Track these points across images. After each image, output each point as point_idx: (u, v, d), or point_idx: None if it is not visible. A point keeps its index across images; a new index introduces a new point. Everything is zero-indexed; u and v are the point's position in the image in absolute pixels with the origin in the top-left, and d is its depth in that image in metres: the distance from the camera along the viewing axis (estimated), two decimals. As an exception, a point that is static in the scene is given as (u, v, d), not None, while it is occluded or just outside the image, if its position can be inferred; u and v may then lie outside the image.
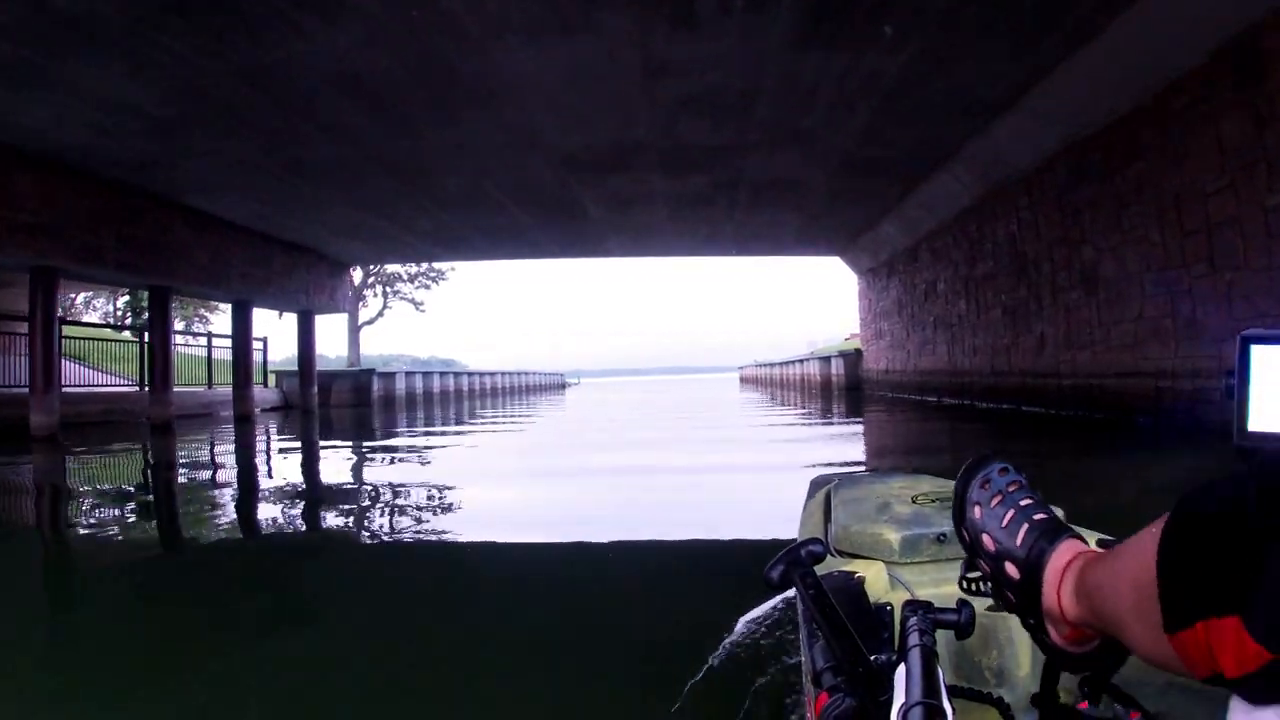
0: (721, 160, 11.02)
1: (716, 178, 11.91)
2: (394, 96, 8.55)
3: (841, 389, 19.77)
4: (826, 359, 21.57)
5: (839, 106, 9.12)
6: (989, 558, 0.74)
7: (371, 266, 46.78)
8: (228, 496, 5.71)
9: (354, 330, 46.76)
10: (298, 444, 10.39)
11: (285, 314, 20.19)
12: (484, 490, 5.71)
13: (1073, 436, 8.21)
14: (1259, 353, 0.56)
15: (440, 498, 5.20)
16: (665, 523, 4.24)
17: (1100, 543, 0.72)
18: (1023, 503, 0.75)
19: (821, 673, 0.73)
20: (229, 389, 18.96)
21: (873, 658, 0.69)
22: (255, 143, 10.14)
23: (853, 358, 19.87)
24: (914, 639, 0.67)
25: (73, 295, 39.66)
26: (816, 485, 1.61)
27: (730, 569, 2.86)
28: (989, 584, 0.75)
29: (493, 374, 33.46)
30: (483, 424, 13.56)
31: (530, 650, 2.24)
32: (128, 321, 37.34)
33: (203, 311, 50.23)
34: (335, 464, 7.93)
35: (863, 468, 5.74)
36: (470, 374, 30.30)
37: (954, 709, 0.57)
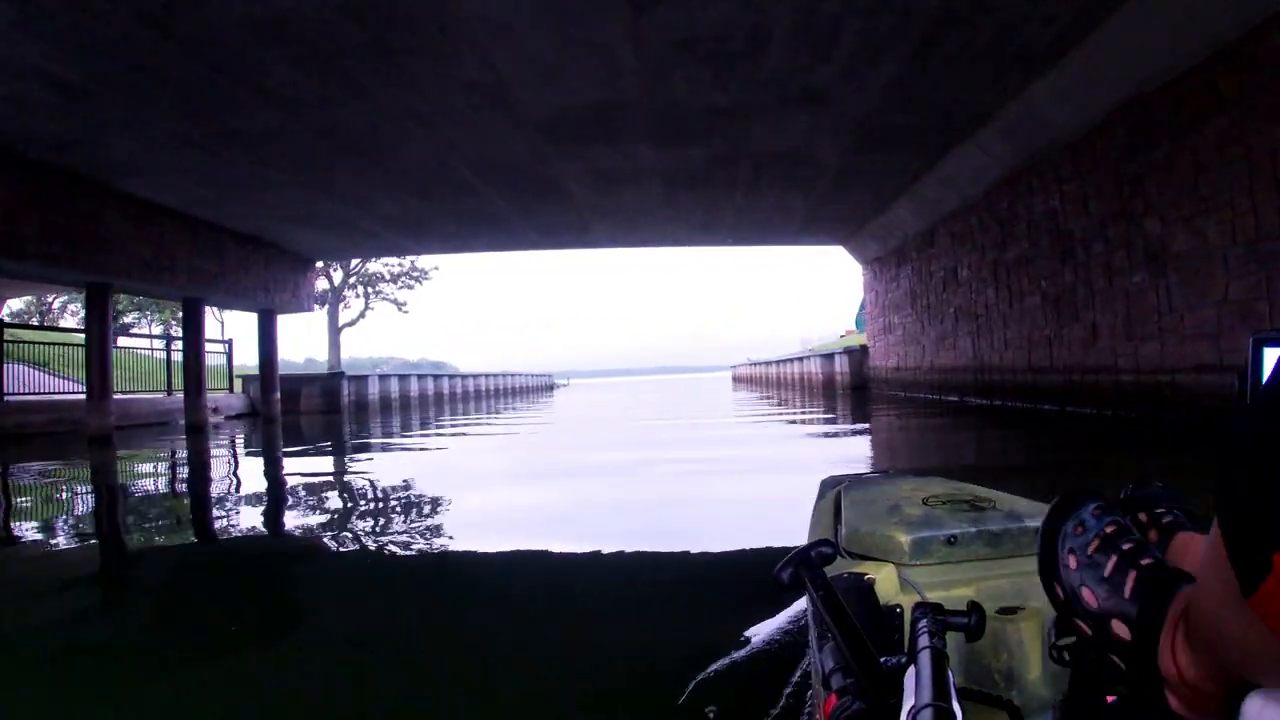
0: (721, 127, 9.57)
1: (715, 150, 10.46)
2: (328, 43, 7.07)
3: (846, 388, 18.38)
4: (829, 356, 20.14)
5: (861, 56, 7.72)
6: (1090, 617, 0.62)
7: (352, 265, 45.57)
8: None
9: (334, 332, 45.24)
10: (229, 463, 8.88)
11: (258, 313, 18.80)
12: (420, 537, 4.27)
13: (1153, 445, 6.82)
14: (1272, 354, 0.54)
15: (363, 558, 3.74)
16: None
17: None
18: (1125, 547, 0.63)
19: (831, 674, 0.71)
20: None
21: (882, 660, 0.68)
22: (179, 110, 8.72)
23: (858, 354, 18.47)
24: (924, 641, 0.64)
25: (50, 299, 37.97)
26: (826, 486, 1.53)
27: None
28: (1090, 650, 0.64)
29: (475, 376, 31.89)
30: (455, 432, 12.10)
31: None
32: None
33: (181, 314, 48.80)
34: (254, 483, 6.45)
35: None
36: (451, 376, 28.72)
37: (963, 712, 0.54)
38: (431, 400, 24.79)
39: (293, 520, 4.66)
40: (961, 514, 1.10)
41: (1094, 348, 8.94)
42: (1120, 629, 0.59)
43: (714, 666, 1.72)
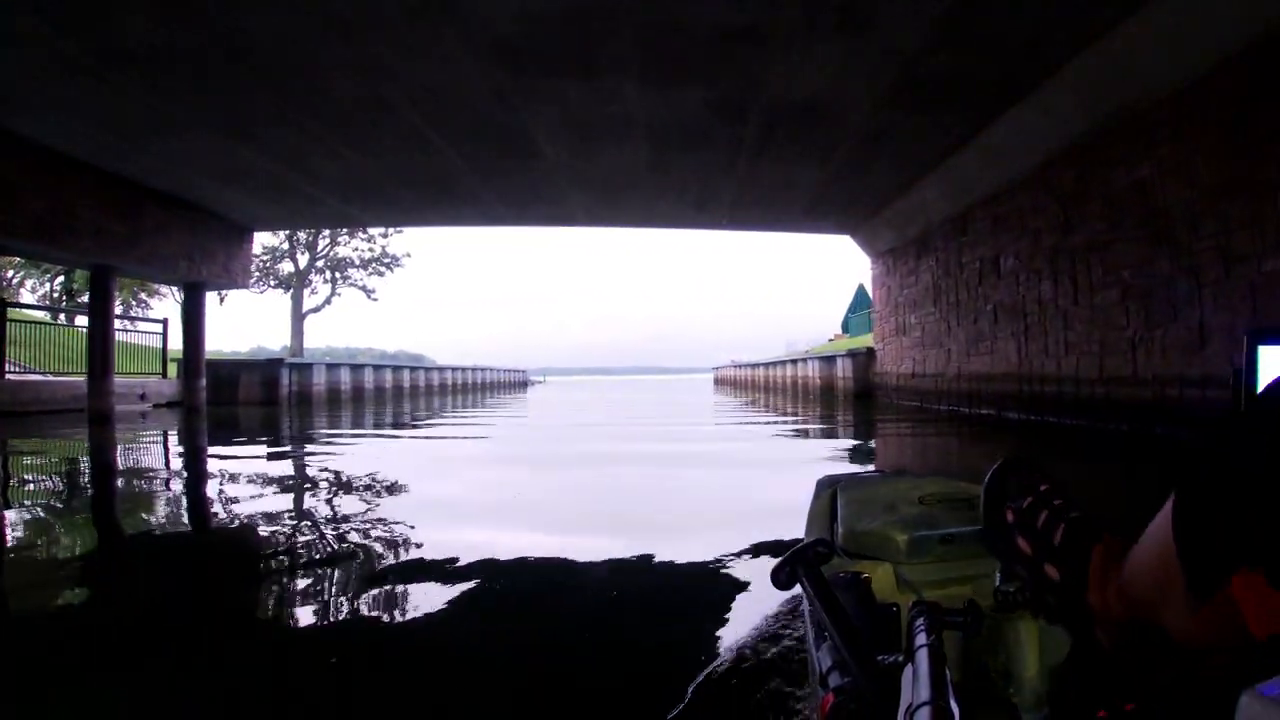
0: (729, 58, 7.51)
1: (720, 92, 8.39)
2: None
3: (849, 395, 16.37)
4: (829, 359, 18.10)
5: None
6: (1026, 562, 0.74)
7: (320, 249, 43.14)
8: None
9: (298, 318, 42.77)
10: (88, 470, 6.69)
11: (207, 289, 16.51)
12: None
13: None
14: (1267, 353, 0.60)
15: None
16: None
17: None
18: (1056, 502, 0.74)
19: (828, 673, 0.71)
20: (125, 378, 15.82)
21: (879, 658, 0.69)
22: (48, 15, 6.72)
23: (863, 358, 16.45)
24: (921, 639, 0.65)
25: (9, 274, 35.18)
26: (823, 485, 1.45)
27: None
28: (1027, 593, 0.74)
29: (442, 370, 29.58)
30: (401, 433, 9.96)
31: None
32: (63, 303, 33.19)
33: (142, 295, 46.02)
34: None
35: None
36: (414, 369, 26.39)
37: (961, 710, 0.54)
38: (390, 394, 22.53)
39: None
40: (958, 513, 1.08)
41: (1200, 354, 6.98)
42: (1051, 571, 0.69)
43: (711, 666, 1.67)
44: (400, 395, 23.01)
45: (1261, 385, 0.55)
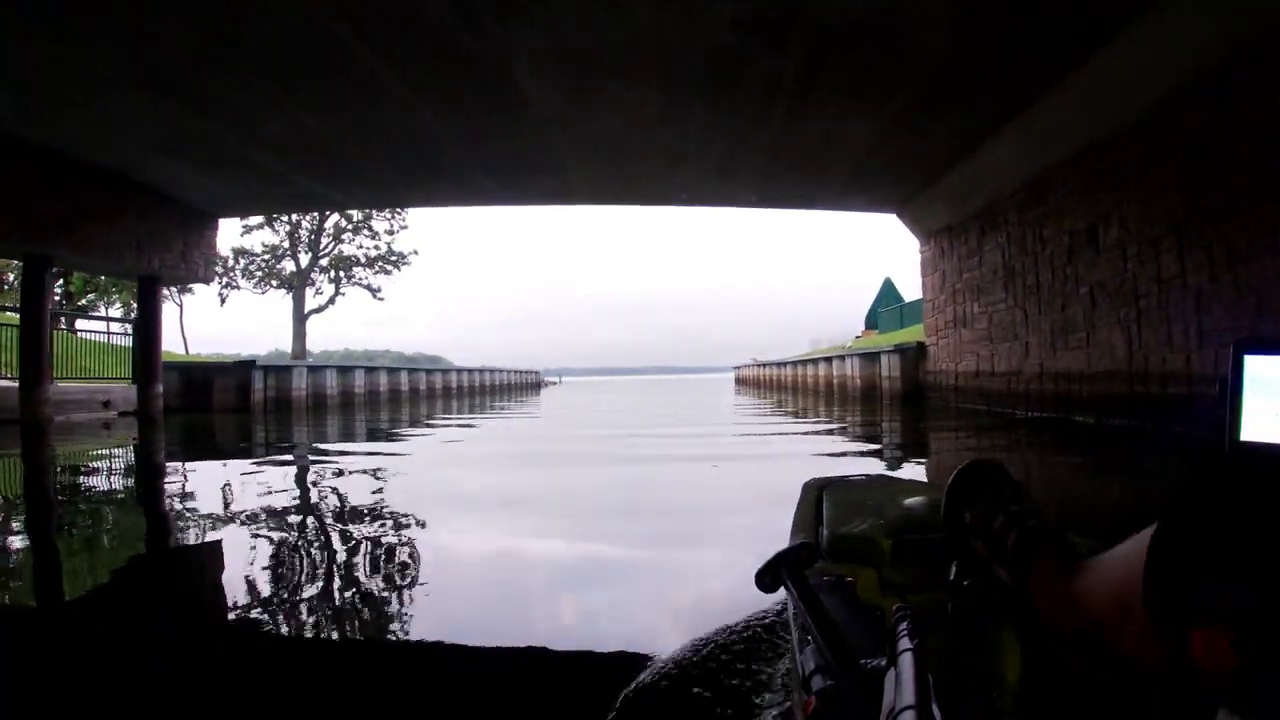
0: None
1: (755, 7, 6.41)
2: None
3: (894, 397, 14.26)
4: (871, 356, 15.93)
5: None
6: (979, 563, 0.79)
7: (323, 247, 41.56)
8: None
9: (299, 319, 41.19)
10: None
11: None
12: None
13: None
14: (1252, 363, 0.56)
15: None
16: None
17: (1089, 548, 0.73)
18: (1013, 509, 0.79)
19: (811, 676, 0.71)
20: (86, 384, 14.19)
21: (863, 662, 0.69)
22: None
23: (912, 354, 14.30)
24: (904, 643, 0.65)
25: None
26: (809, 488, 1.52)
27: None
28: (981, 588, 0.79)
29: (444, 372, 27.70)
30: (377, 451, 8.04)
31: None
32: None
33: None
34: None
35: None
36: (412, 371, 24.47)
37: (943, 714, 0.54)
38: (384, 400, 20.69)
39: None
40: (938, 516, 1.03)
41: None
42: (1001, 574, 0.74)
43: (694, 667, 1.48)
44: (397, 400, 21.15)
45: (1246, 391, 0.55)
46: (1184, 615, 0.43)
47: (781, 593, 0.84)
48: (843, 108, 8.69)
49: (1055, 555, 0.68)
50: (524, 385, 39.03)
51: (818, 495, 1.38)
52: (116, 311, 44.05)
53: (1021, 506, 0.80)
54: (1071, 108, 8.35)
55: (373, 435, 9.87)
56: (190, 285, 44.63)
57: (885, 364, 14.84)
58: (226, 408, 15.79)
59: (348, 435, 9.98)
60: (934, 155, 10.58)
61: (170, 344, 43.68)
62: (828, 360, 19.54)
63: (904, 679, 0.58)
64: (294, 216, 40.12)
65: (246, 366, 15.88)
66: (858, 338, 36.04)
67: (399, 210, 40.83)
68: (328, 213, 40.18)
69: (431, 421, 12.99)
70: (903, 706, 0.54)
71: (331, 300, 42.01)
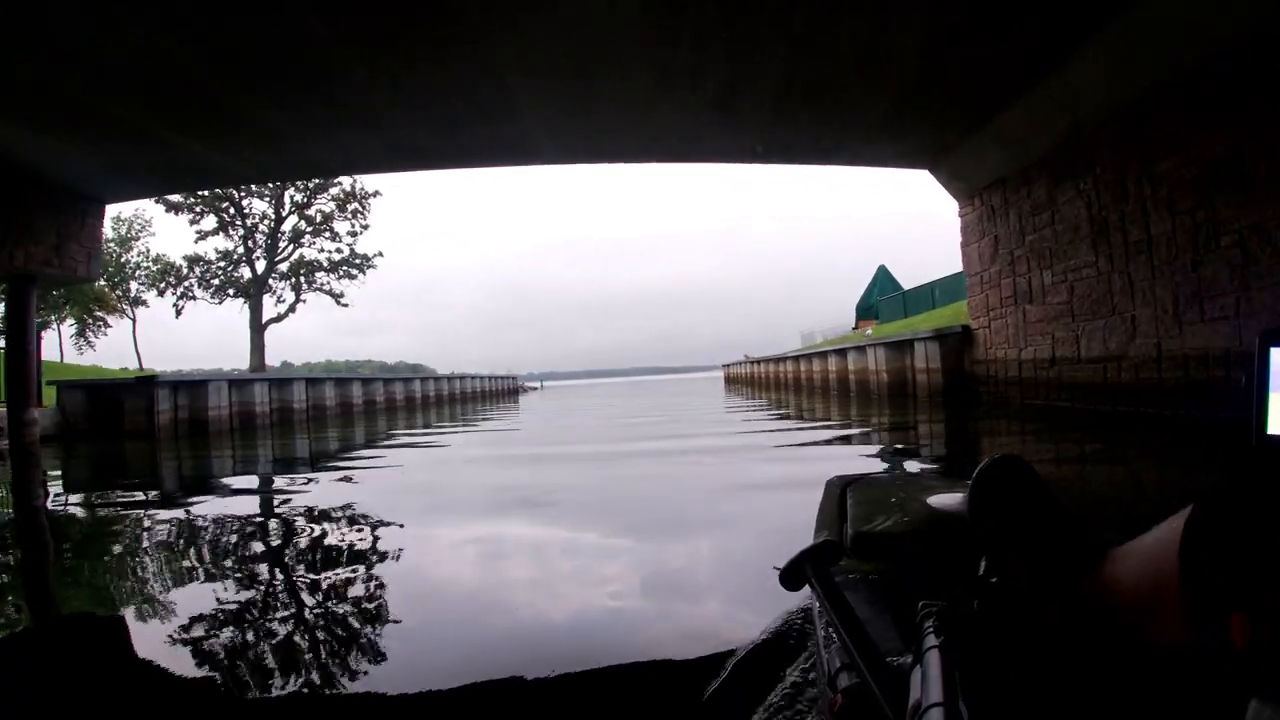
0: None
1: None
2: None
3: (934, 393, 11.69)
4: (899, 345, 13.27)
5: None
6: (1014, 559, 0.76)
7: (280, 249, 38.63)
8: None
9: (257, 329, 38.19)
10: None
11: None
12: None
13: None
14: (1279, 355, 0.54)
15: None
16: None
17: (1113, 541, 0.70)
18: (1044, 505, 0.78)
19: (837, 674, 0.71)
20: None
21: (889, 660, 0.70)
22: None
23: (955, 339, 11.71)
24: (930, 640, 0.64)
25: None
26: (832, 486, 1.44)
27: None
28: (1012, 583, 0.76)
29: (406, 381, 24.77)
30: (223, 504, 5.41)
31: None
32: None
33: (99, 313, 41.52)
34: None
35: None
36: (368, 380, 21.62)
37: (970, 711, 0.53)
38: (333, 415, 17.96)
39: None
40: (965, 514, 1.00)
41: None
42: (1034, 571, 0.73)
43: (721, 669, 1.51)
44: (348, 415, 18.43)
45: (1274, 384, 0.54)
46: (1223, 600, 0.42)
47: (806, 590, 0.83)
48: (878, 20, 6.14)
49: (1083, 549, 0.67)
50: (500, 392, 36.23)
51: (841, 493, 1.34)
52: (70, 327, 41.07)
53: (1052, 502, 0.79)
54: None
55: (290, 466, 7.27)
56: (143, 296, 41.89)
57: (921, 354, 12.23)
58: (138, 431, 13.09)
59: (249, 467, 7.40)
60: (994, 82, 8.05)
61: (123, 360, 40.81)
62: (839, 353, 16.93)
63: (930, 676, 0.56)
64: (249, 221, 37.39)
65: (146, 385, 13.10)
66: (855, 329, 33.56)
67: (362, 211, 38.23)
68: (285, 213, 37.46)
69: (376, 442, 10.39)
70: (930, 703, 0.52)
71: (292, 308, 39.09)
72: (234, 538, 3.63)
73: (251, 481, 6.47)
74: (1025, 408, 9.62)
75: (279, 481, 6.18)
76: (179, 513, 4.49)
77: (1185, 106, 6.91)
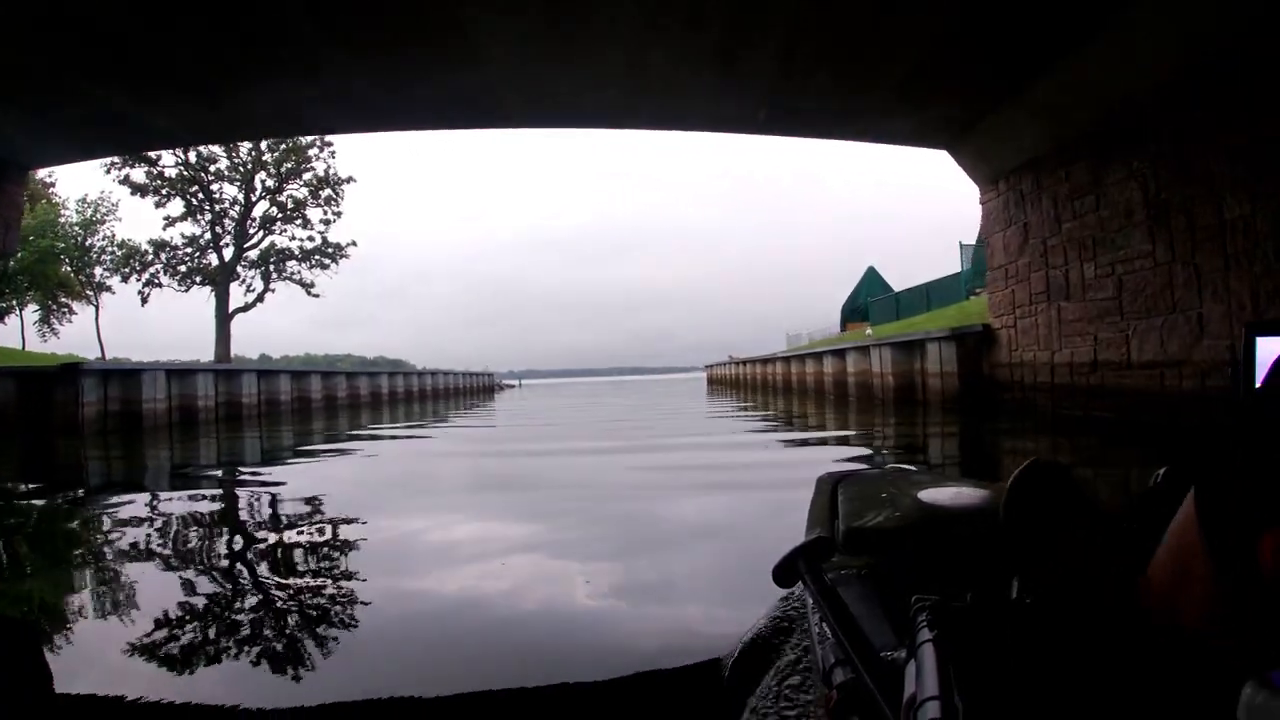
0: None
1: None
2: None
3: (948, 399, 10.57)
4: (909, 345, 12.11)
5: None
6: (1049, 568, 0.72)
7: (251, 236, 37.06)
8: None
9: (223, 319, 36.58)
10: None
11: None
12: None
13: None
14: (1265, 345, 0.56)
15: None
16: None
17: None
18: (1082, 510, 0.74)
19: (831, 670, 0.68)
20: None
21: (883, 654, 0.68)
22: None
23: (975, 339, 10.56)
24: (924, 635, 0.61)
25: None
26: (824, 482, 1.40)
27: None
28: (1047, 595, 0.71)
29: (372, 376, 23.34)
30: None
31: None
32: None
33: (64, 299, 39.60)
34: None
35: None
36: (327, 374, 20.20)
37: (964, 705, 0.52)
38: (289, 411, 16.60)
39: None
40: (960, 510, 1.06)
41: None
42: (1072, 580, 0.68)
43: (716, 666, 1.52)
44: (306, 411, 17.06)
45: (1260, 377, 0.55)
46: (1250, 523, 0.41)
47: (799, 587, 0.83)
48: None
49: (1129, 556, 0.62)
50: (475, 389, 34.85)
51: (832, 489, 1.33)
52: (33, 313, 39.14)
53: (1090, 507, 0.75)
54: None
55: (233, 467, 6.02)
56: (107, 282, 40.05)
57: (934, 355, 11.08)
58: (70, 424, 11.77)
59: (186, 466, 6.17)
60: (1038, 34, 6.93)
61: (89, 349, 38.93)
62: (837, 353, 15.80)
63: (925, 670, 0.56)
64: (218, 206, 35.81)
65: (72, 370, 11.72)
66: (844, 331, 32.48)
67: (335, 198, 36.84)
68: (256, 198, 35.92)
69: (338, 441, 9.17)
70: (925, 697, 0.52)
71: (260, 297, 37.48)
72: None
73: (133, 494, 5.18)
74: (1059, 418, 8.51)
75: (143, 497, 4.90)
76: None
77: (1276, 65, 5.82)
